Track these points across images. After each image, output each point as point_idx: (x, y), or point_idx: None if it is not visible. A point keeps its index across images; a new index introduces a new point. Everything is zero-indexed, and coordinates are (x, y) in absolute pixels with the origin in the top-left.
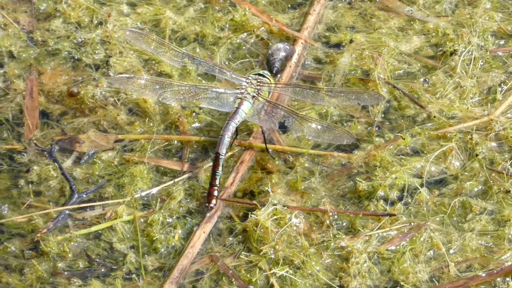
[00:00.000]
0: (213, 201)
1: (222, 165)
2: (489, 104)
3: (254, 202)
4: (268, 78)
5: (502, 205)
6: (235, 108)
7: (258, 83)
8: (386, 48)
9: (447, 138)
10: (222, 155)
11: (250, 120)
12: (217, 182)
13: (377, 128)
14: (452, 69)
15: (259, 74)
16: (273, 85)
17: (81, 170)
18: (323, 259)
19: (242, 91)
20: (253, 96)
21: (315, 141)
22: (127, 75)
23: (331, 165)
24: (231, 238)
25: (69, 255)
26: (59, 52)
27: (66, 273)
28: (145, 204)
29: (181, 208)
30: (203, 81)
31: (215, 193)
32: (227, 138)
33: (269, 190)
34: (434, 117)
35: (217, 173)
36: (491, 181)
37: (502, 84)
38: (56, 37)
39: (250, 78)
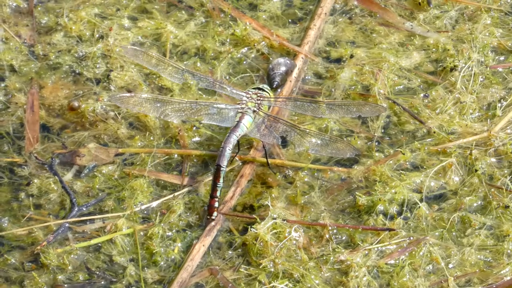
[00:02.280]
0: (215, 213)
1: (223, 177)
2: (488, 119)
3: (254, 216)
4: (267, 92)
5: (501, 220)
6: (236, 122)
7: (259, 98)
8: (386, 63)
9: (447, 154)
10: (223, 167)
11: (251, 136)
12: (217, 194)
13: (376, 143)
14: (452, 84)
15: (259, 89)
16: (272, 99)
17: (82, 183)
18: (322, 272)
19: (243, 105)
20: (254, 111)
21: (316, 155)
22: (127, 94)
23: (330, 180)
24: (230, 252)
25: (69, 267)
26: (60, 66)
27: (66, 285)
28: (145, 217)
29: (180, 222)
30: (204, 96)
31: (216, 204)
32: (228, 150)
33: (269, 204)
34: (434, 132)
35: (218, 185)
36: (490, 197)
37: (502, 100)
38: (57, 51)
39: (250, 92)
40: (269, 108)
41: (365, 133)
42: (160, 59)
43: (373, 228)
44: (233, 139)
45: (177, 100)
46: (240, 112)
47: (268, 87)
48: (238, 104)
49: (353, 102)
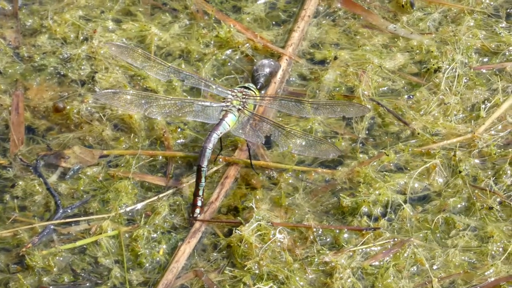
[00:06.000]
0: (197, 211)
1: (205, 177)
2: (472, 121)
3: (238, 219)
4: (253, 91)
5: (485, 221)
6: (219, 120)
7: (244, 96)
8: (370, 65)
9: (431, 155)
10: (203, 167)
11: (236, 134)
12: (200, 192)
13: (361, 145)
14: (436, 86)
15: (245, 87)
16: (258, 97)
17: (66, 185)
18: (307, 274)
19: (228, 103)
20: (239, 109)
21: (300, 157)
22: (113, 91)
23: (315, 181)
24: (215, 254)
25: (54, 269)
26: (45, 67)
27: (51, 287)
28: (130, 219)
29: (165, 223)
30: (189, 97)
31: (199, 203)
32: (208, 150)
33: (253, 206)
34: (418, 133)
35: (200, 185)
36: (474, 198)
37: (486, 101)
38: (42, 53)
39: (235, 91)
40: (254, 108)
41: (350, 134)
42: (146, 56)
43: (358, 229)
44: (214, 138)
45: (162, 97)
46: (224, 110)
47: (254, 86)
48: (223, 102)
49: (338, 102)
